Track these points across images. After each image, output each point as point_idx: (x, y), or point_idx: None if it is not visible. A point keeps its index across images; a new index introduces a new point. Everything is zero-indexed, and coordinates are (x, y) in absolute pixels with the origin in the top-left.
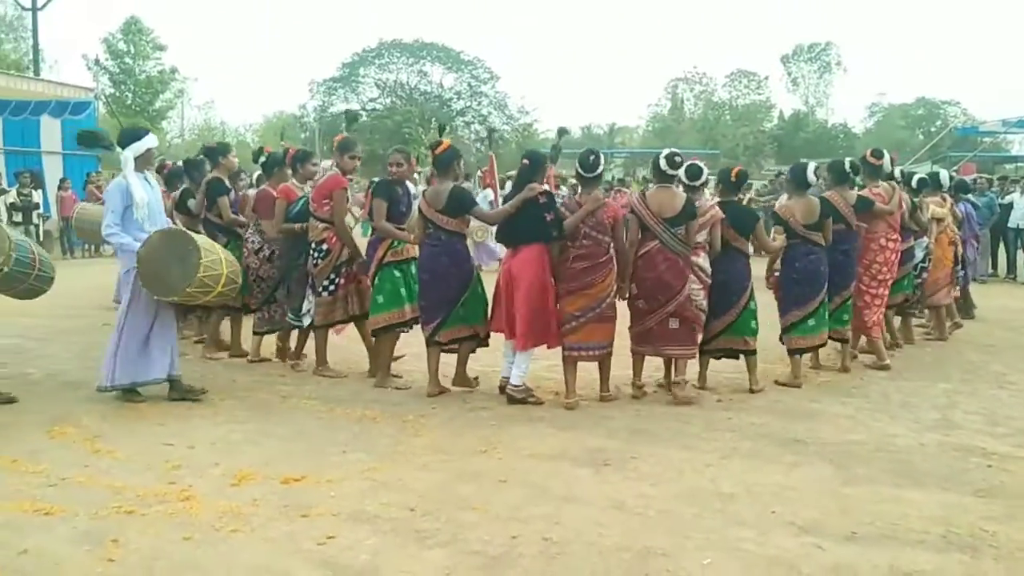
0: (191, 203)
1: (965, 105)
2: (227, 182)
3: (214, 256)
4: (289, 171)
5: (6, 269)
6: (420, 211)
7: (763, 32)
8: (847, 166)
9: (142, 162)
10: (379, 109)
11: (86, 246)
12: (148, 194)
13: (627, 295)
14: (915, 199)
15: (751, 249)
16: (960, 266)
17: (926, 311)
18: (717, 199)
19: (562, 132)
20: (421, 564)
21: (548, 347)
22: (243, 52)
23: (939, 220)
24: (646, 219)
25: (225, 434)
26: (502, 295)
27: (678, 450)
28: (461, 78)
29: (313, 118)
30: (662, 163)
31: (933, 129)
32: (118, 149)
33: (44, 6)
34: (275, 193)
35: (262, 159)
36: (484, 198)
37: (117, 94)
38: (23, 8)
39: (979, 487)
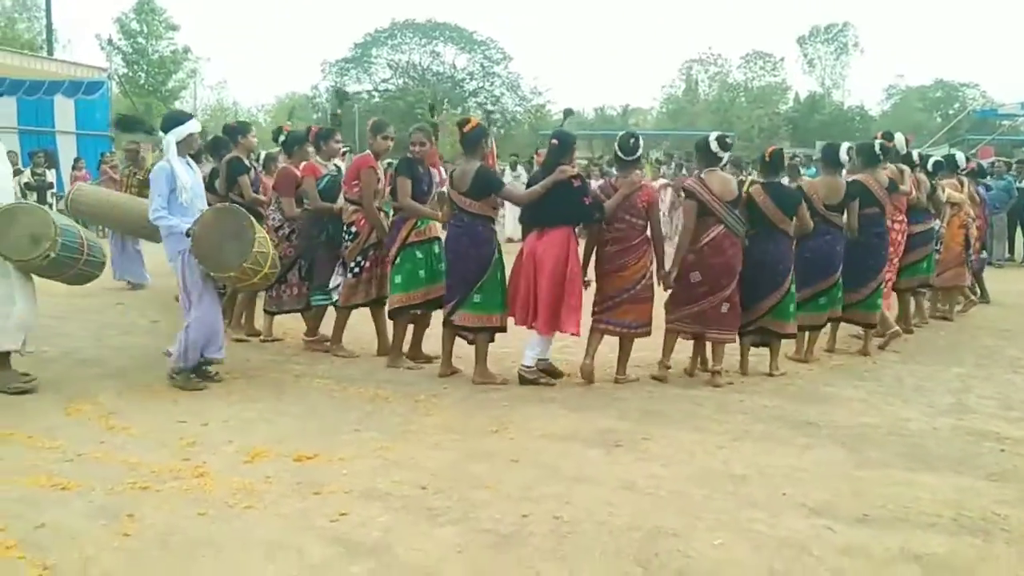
0: (218, 183)
1: (984, 87)
2: (247, 161)
3: (263, 234)
4: (311, 149)
5: (53, 255)
6: (447, 192)
7: (779, 13)
8: (877, 148)
9: (184, 146)
10: (391, 90)
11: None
12: (191, 178)
13: (670, 282)
14: (932, 181)
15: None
16: (976, 248)
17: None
18: (759, 180)
19: (568, 113)
20: (433, 541)
21: (565, 332)
22: (255, 32)
23: (953, 204)
24: (711, 204)
25: (238, 412)
26: (521, 279)
27: (690, 432)
28: (474, 59)
29: (325, 99)
30: (713, 145)
31: (951, 112)
32: (160, 133)
33: None
34: (297, 171)
35: (282, 138)
36: None
37: (130, 74)
38: None
39: (992, 471)
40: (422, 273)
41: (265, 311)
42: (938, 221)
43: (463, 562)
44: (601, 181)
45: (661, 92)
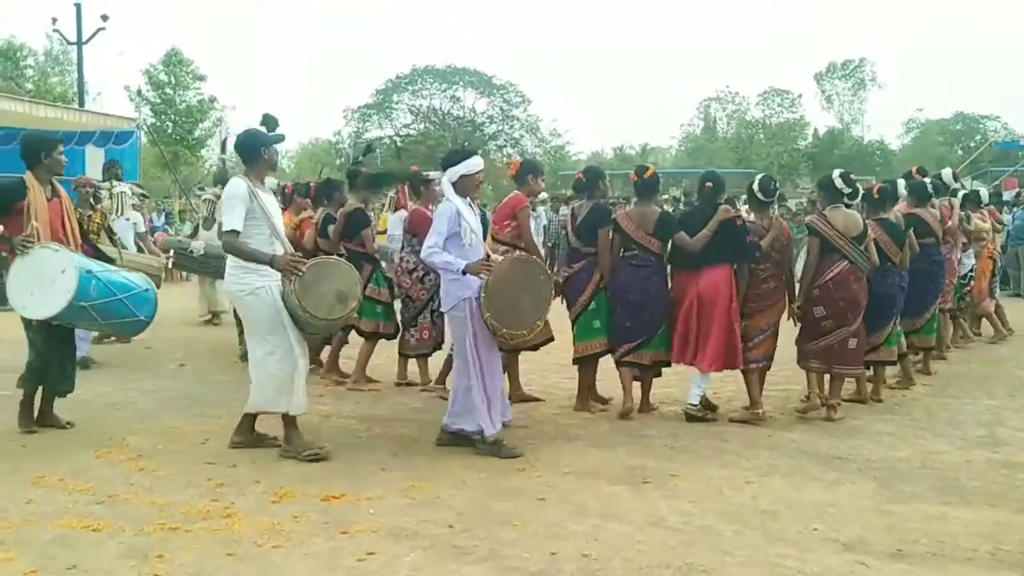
0: (331, 231)
1: (1005, 119)
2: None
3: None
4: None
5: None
6: (624, 232)
7: (795, 50)
8: (929, 187)
9: (461, 186)
10: (412, 135)
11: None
12: (474, 220)
13: (798, 315)
14: (962, 213)
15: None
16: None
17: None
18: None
19: (368, 150)
20: None
21: (735, 368)
22: (279, 81)
23: (980, 238)
24: (835, 240)
25: (265, 452)
26: (680, 316)
27: (717, 468)
28: (493, 102)
29: (348, 144)
30: (838, 182)
31: (972, 144)
32: (435, 173)
33: (88, 40)
34: (429, 212)
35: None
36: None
37: (158, 123)
38: (68, 42)
39: None
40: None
41: (400, 354)
42: (970, 250)
43: None
44: (565, 211)
45: (680, 131)
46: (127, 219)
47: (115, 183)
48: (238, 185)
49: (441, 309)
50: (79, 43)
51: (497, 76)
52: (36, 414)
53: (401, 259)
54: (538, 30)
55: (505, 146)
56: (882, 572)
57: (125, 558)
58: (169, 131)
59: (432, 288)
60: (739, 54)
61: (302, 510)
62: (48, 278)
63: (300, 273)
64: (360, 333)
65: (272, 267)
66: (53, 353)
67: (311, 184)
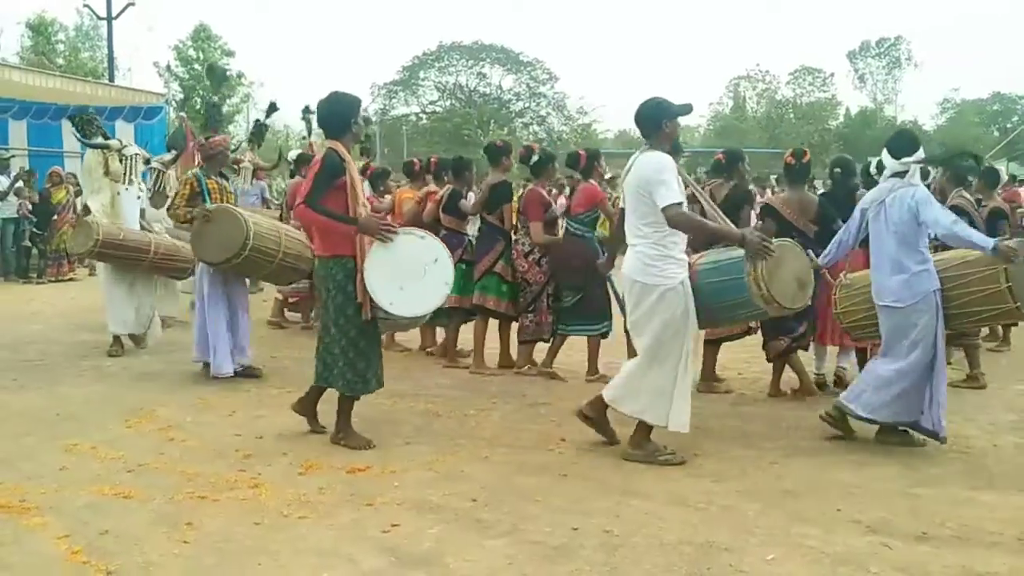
0: (463, 204)
1: None
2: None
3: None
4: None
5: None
6: (783, 218)
7: (828, 28)
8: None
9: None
10: (439, 112)
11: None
12: None
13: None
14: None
15: None
16: None
17: None
18: None
19: (272, 109)
20: (483, 552)
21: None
22: (306, 57)
23: None
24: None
25: (292, 425)
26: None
27: (740, 448)
28: (520, 79)
29: (374, 121)
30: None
31: (1009, 125)
32: (887, 157)
33: (118, 16)
34: (544, 192)
35: (534, 159)
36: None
37: (186, 99)
38: (98, 18)
39: None
40: None
41: (520, 341)
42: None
43: (513, 574)
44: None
45: (708, 109)
46: (141, 190)
47: (124, 143)
48: (666, 157)
49: (889, 303)
50: (109, 18)
51: (524, 53)
52: (305, 402)
53: (516, 241)
54: (566, 6)
55: (532, 124)
56: (906, 554)
57: (155, 525)
58: (198, 107)
59: (549, 272)
60: (770, 31)
61: (328, 482)
62: (418, 269)
63: (772, 253)
64: (482, 311)
65: (743, 245)
66: (372, 352)
67: (431, 160)
